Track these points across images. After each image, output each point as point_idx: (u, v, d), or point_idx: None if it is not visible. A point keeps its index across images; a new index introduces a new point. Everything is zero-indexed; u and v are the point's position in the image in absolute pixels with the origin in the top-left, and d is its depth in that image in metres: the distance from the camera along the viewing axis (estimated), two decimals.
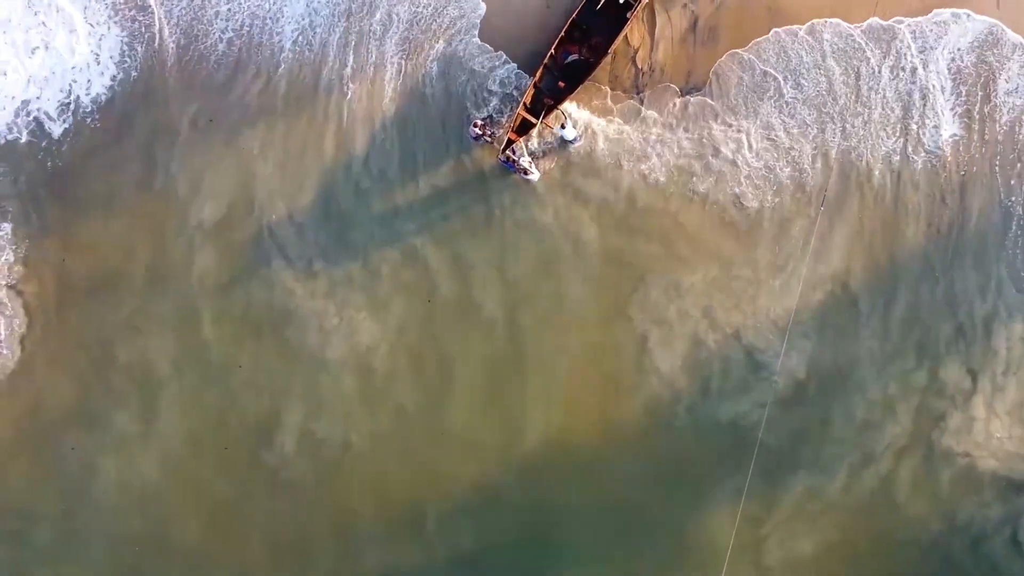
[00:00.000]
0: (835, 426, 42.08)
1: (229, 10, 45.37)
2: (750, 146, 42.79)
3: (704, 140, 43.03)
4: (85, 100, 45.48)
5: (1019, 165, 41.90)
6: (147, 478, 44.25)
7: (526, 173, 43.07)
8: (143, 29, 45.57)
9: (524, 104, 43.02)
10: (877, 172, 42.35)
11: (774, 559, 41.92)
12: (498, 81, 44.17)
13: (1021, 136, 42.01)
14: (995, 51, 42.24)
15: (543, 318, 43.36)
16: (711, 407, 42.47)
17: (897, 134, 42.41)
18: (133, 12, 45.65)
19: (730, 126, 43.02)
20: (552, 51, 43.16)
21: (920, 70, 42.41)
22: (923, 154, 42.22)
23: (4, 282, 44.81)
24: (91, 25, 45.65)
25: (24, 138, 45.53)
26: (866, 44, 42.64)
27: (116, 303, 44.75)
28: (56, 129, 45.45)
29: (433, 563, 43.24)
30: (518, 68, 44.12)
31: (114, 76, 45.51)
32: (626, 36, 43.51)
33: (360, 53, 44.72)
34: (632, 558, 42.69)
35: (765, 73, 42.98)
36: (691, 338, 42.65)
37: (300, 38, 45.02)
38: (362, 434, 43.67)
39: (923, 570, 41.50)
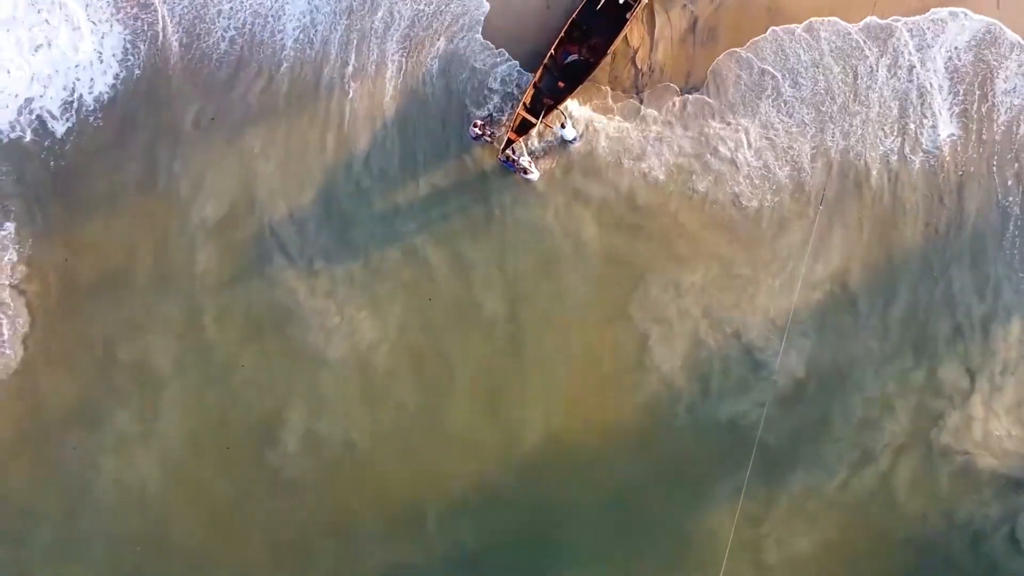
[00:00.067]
0: (834, 425, 42.16)
1: (231, 8, 45.49)
2: (749, 144, 42.89)
3: (703, 139, 43.13)
4: (88, 99, 45.63)
5: (1016, 165, 41.94)
6: (148, 477, 44.37)
7: (526, 172, 43.22)
8: (146, 27, 45.74)
9: (524, 104, 43.18)
10: (875, 172, 42.44)
11: (773, 558, 41.96)
12: (499, 79, 44.30)
13: (1018, 136, 42.05)
14: (993, 50, 42.24)
15: (543, 317, 43.45)
16: (711, 406, 42.55)
17: (895, 133, 42.50)
18: (136, 10, 45.80)
19: (728, 124, 43.14)
20: (552, 51, 43.32)
21: (918, 68, 42.49)
22: (921, 154, 42.30)
23: (7, 282, 44.93)
24: (93, 23, 45.83)
25: (27, 137, 45.66)
26: (864, 42, 42.75)
27: (118, 302, 44.91)
28: (59, 128, 45.60)
29: (433, 563, 43.28)
30: (519, 66, 44.28)
31: (117, 74, 45.67)
32: (626, 36, 43.65)
33: (362, 51, 44.87)
34: (632, 558, 42.72)
35: (763, 71, 43.07)
36: (691, 337, 42.74)
37: (302, 36, 45.16)
38: (363, 433, 43.78)
39: (922, 568, 41.53)
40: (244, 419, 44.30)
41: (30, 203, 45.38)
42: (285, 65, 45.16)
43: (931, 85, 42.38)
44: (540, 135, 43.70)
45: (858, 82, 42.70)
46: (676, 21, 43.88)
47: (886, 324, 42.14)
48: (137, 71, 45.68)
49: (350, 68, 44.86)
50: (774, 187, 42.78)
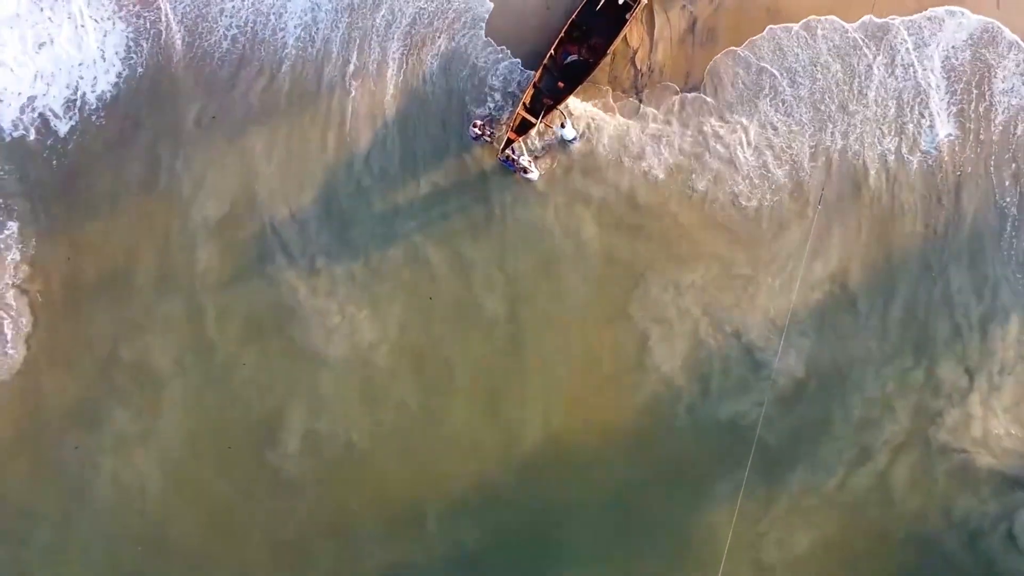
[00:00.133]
0: (833, 424, 42.04)
1: (233, 6, 45.69)
2: (748, 143, 42.97)
3: (702, 138, 43.22)
4: (91, 97, 45.80)
5: (1014, 166, 41.96)
6: (148, 477, 44.36)
7: (526, 172, 43.35)
8: (148, 25, 45.96)
9: (524, 104, 43.33)
10: (874, 172, 42.48)
11: (772, 557, 41.81)
12: (500, 76, 44.48)
13: (1016, 136, 42.08)
14: (991, 49, 42.28)
15: (543, 317, 43.47)
16: (710, 406, 42.49)
17: (893, 132, 42.54)
18: (138, 8, 46.03)
19: (727, 123, 43.24)
20: (552, 51, 43.48)
21: (916, 66, 42.58)
22: (919, 154, 42.32)
23: (10, 281, 45.01)
24: (96, 21, 46.02)
25: (31, 136, 45.82)
26: (862, 40, 42.86)
27: (120, 302, 45.01)
28: (62, 127, 45.77)
29: (433, 563, 43.17)
30: (520, 64, 44.43)
31: (120, 73, 45.88)
32: (625, 37, 43.81)
33: (363, 50, 45.08)
34: (632, 558, 42.58)
35: (761, 70, 43.18)
36: (691, 337, 42.73)
37: (303, 34, 45.35)
38: (363, 433, 43.77)
39: (920, 566, 41.35)
40: (244, 419, 44.29)
41: (33, 202, 45.58)
42: (287, 64, 45.38)
43: (929, 84, 42.44)
44: (540, 135, 43.82)
45: (856, 80, 42.81)
46: (675, 21, 44.04)
47: (885, 324, 42.10)
48: (140, 69, 45.90)
49: (351, 67, 45.06)
50: (773, 186, 42.84)
